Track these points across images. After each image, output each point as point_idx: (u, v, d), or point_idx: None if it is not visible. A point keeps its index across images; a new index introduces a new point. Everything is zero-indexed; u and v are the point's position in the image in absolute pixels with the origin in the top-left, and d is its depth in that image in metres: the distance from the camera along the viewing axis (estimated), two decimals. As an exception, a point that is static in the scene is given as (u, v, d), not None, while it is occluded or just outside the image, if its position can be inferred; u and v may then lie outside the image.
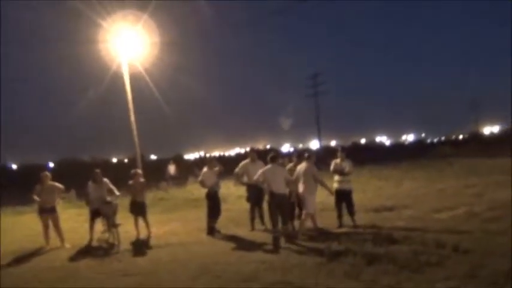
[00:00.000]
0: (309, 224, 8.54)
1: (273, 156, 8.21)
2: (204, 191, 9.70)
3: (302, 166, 8.53)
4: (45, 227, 9.00)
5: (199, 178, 9.64)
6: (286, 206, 8.16)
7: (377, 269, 5.49)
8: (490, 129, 79.68)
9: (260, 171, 8.25)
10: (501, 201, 9.72)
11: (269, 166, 8.11)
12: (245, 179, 9.59)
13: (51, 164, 65.39)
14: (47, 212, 8.97)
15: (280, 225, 7.89)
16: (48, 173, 9.25)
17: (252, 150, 10.03)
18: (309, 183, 8.31)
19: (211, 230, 9.32)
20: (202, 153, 79.82)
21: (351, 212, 8.96)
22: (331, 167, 9.23)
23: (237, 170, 9.71)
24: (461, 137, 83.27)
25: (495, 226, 7.60)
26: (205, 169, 9.60)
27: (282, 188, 7.97)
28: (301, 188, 8.38)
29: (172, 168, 22.35)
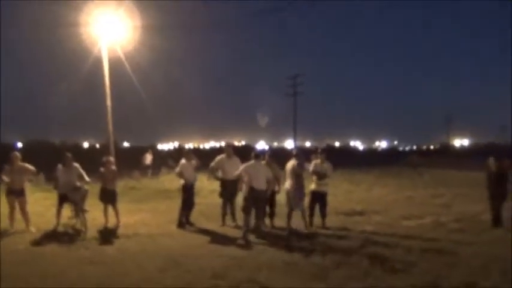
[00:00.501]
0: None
1: (256, 154, 8.44)
2: (176, 183, 9.68)
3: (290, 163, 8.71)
4: (12, 209, 8.74)
5: (177, 169, 9.59)
6: (264, 203, 8.42)
7: (344, 273, 5.56)
8: (460, 142, 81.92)
9: (242, 166, 8.42)
10: (468, 213, 10.03)
11: (252, 162, 8.29)
12: (219, 173, 9.56)
13: (20, 144, 63.69)
14: (15, 194, 8.71)
15: (253, 221, 8.08)
16: (18, 154, 8.97)
17: (229, 145, 9.98)
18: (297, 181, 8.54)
19: (182, 223, 9.28)
20: (176, 144, 79.26)
21: (323, 214, 9.12)
22: (311, 168, 9.30)
23: (212, 164, 9.67)
24: (432, 147, 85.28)
25: (460, 237, 7.83)
26: (183, 161, 9.56)
27: (262, 185, 8.16)
28: (288, 184, 8.60)
29: (149, 158, 22.06)
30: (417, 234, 8.26)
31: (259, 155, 8.56)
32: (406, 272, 5.64)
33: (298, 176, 8.55)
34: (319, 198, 9.11)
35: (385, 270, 5.72)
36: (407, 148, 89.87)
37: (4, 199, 8.92)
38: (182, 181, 9.49)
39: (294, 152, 8.92)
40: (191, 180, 9.50)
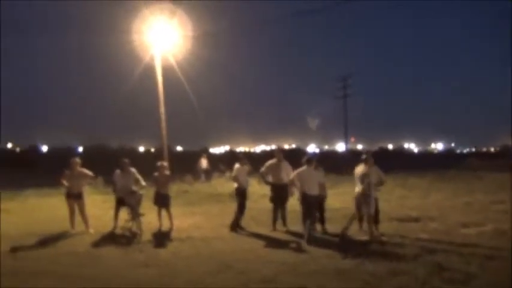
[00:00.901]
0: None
1: (308, 159, 8.56)
2: (227, 187, 9.79)
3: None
4: (71, 212, 9.23)
5: (233, 174, 9.82)
6: (316, 208, 8.52)
7: (399, 282, 5.39)
8: (523, 144, 77.29)
9: (295, 172, 8.56)
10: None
11: (304, 168, 8.42)
12: (270, 178, 9.58)
13: (80, 149, 67.05)
14: (74, 197, 9.19)
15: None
16: (78, 160, 9.45)
17: (279, 150, 10.00)
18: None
19: (235, 227, 9.38)
20: (227, 148, 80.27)
21: (376, 220, 8.76)
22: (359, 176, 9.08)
23: (262, 169, 9.72)
24: (492, 149, 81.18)
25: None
26: (237, 165, 9.75)
27: (315, 190, 8.37)
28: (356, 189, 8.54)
29: (204, 162, 22.06)
30: (477, 243, 7.85)
31: (311, 160, 8.60)
32: (465, 284, 5.37)
33: (366, 181, 8.35)
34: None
35: (443, 280, 5.47)
36: (465, 150, 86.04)
37: (65, 202, 9.41)
38: (236, 185, 9.61)
39: (364, 157, 8.75)
40: (244, 185, 9.65)
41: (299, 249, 7.48)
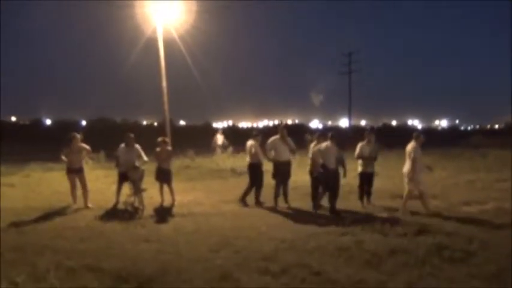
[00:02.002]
0: None
1: (332, 135, 8.94)
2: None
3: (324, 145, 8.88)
4: (73, 187, 9.25)
5: (248, 149, 9.89)
6: (335, 182, 8.76)
7: (398, 261, 5.37)
8: (528, 121, 76.69)
9: (316, 148, 8.95)
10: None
11: (328, 143, 8.79)
12: (273, 154, 9.53)
13: (84, 122, 67.07)
14: (75, 172, 9.19)
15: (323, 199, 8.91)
16: (77, 135, 9.40)
17: (284, 126, 9.92)
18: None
19: (243, 199, 9.73)
20: (230, 123, 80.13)
21: (369, 192, 9.53)
22: (356, 151, 9.52)
23: (265, 144, 9.68)
24: (496, 126, 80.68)
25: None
26: (251, 141, 9.84)
27: (333, 164, 8.74)
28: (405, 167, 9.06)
29: (220, 138, 21.20)
30: (478, 222, 7.86)
31: (334, 136, 8.95)
32: (465, 262, 5.36)
33: (412, 159, 8.65)
34: (366, 178, 9.43)
35: (443, 259, 5.45)
36: (469, 127, 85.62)
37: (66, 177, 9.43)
38: (250, 160, 9.77)
39: (414, 135, 8.92)
40: (260, 160, 9.76)
41: (299, 226, 7.50)
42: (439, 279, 4.77)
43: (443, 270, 5.10)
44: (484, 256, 5.57)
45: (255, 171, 9.71)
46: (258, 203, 9.60)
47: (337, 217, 8.19)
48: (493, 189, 11.21)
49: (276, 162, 9.47)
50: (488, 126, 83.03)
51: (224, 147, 20.71)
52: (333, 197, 8.77)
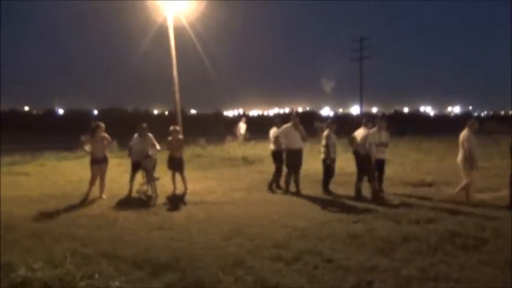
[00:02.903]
0: None
1: (366, 122, 9.26)
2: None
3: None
4: (94, 177, 9.14)
5: (271, 136, 10.10)
6: (366, 165, 8.97)
7: (411, 248, 5.38)
8: (544, 107, 75.49)
9: (363, 134, 9.07)
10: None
11: (361, 130, 9.13)
12: (285, 142, 9.55)
13: (96, 112, 67.58)
14: (99, 162, 9.16)
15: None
16: (102, 124, 9.35)
17: (296, 115, 9.92)
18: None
19: (271, 187, 9.92)
20: (241, 111, 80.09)
21: (381, 179, 9.49)
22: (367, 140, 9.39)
23: (277, 132, 9.73)
24: (510, 112, 79.43)
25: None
26: (274, 129, 10.10)
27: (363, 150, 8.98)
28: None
29: (243, 127, 20.75)
30: (492, 209, 7.82)
31: (368, 122, 9.28)
32: (478, 250, 5.34)
33: (466, 149, 8.45)
34: (377, 165, 9.29)
35: (455, 246, 5.44)
36: (482, 114, 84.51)
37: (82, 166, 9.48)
38: (273, 147, 9.93)
39: (469, 122, 8.84)
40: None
41: (311, 214, 7.53)
42: (452, 266, 4.76)
43: (456, 257, 5.08)
44: (497, 244, 5.54)
45: (279, 158, 9.84)
46: (271, 188, 9.81)
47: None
48: (506, 176, 11.04)
49: (288, 150, 9.49)
50: (502, 112, 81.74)
51: (246, 138, 20.46)
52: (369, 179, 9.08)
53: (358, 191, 9.01)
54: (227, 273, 4.58)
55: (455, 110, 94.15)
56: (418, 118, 70.52)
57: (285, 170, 9.81)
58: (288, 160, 9.55)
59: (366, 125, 9.16)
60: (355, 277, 4.49)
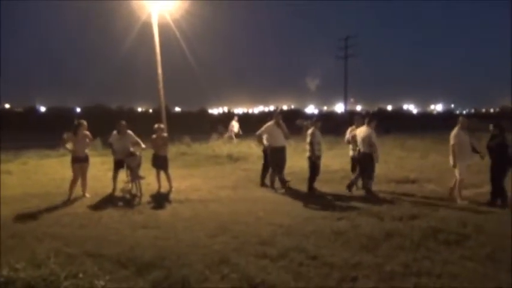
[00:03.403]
0: None
1: (369, 121, 9.14)
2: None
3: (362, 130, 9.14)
4: (76, 176, 8.99)
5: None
6: (366, 164, 8.99)
7: (394, 244, 5.45)
8: (524, 105, 76.92)
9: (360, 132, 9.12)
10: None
11: (363, 128, 9.13)
12: (267, 140, 9.57)
13: (78, 109, 66.74)
14: (81, 161, 9.00)
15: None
16: (84, 122, 9.20)
17: (279, 112, 9.93)
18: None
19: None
20: (225, 109, 79.94)
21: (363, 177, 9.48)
22: (346, 136, 9.60)
23: (260, 131, 9.73)
24: (491, 110, 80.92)
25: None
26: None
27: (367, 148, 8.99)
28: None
29: (236, 125, 20.24)
30: (473, 205, 7.97)
31: (371, 121, 9.15)
32: (460, 245, 5.44)
33: (451, 145, 8.69)
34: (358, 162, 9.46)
35: (437, 242, 5.53)
36: (464, 111, 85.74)
37: (64, 164, 9.36)
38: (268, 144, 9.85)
39: (459, 119, 8.94)
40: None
41: (296, 211, 7.57)
42: (434, 262, 4.84)
43: (438, 252, 5.17)
44: (478, 239, 5.65)
45: (275, 154, 9.85)
46: (264, 184, 9.94)
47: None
48: (488, 173, 11.28)
49: (271, 148, 9.50)
50: (484, 110, 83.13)
51: (239, 135, 20.01)
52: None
53: (367, 190, 8.98)
54: (213, 271, 4.58)
55: (438, 107, 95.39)
56: (401, 116, 71.23)
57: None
58: (271, 158, 9.57)
59: (368, 124, 9.12)
60: (340, 273, 4.54)
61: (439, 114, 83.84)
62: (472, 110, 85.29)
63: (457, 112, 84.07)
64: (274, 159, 9.50)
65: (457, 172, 8.50)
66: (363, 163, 9.03)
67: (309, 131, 9.53)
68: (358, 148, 9.17)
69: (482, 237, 5.70)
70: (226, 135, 20.26)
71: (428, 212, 7.06)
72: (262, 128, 9.67)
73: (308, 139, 9.42)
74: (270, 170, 9.71)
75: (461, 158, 8.46)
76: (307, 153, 9.47)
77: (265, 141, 9.69)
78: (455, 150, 8.43)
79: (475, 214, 7.10)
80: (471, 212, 7.34)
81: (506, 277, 4.42)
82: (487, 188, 9.10)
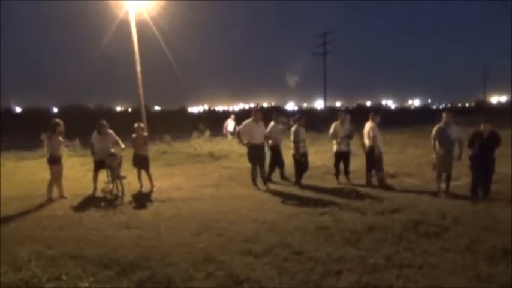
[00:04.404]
0: None
1: (373, 115, 9.48)
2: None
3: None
4: (56, 177, 8.85)
5: (268, 131, 10.06)
6: (372, 157, 9.29)
7: (376, 237, 5.54)
8: (497, 99, 78.85)
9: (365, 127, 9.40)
10: (501, 174, 9.65)
11: (367, 123, 9.37)
12: (246, 138, 9.58)
13: (55, 110, 65.51)
14: (56, 162, 8.87)
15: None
16: (61, 122, 9.05)
17: (258, 110, 9.92)
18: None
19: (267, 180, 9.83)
20: (206, 107, 79.61)
21: (347, 171, 9.89)
22: (331, 131, 9.77)
23: (239, 128, 9.77)
24: (467, 104, 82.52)
25: (498, 199, 7.64)
26: (272, 123, 10.19)
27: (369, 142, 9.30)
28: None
29: (232, 124, 19.47)
30: (451, 197, 8.14)
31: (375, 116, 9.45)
32: (440, 236, 5.56)
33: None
34: (342, 157, 9.76)
35: (418, 234, 5.64)
36: (441, 106, 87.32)
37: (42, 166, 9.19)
38: (270, 142, 10.04)
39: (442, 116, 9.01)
40: (278, 141, 10.19)
41: (279, 208, 7.61)
42: (415, 254, 4.94)
43: (419, 244, 5.28)
44: (457, 230, 5.79)
45: (275, 151, 10.12)
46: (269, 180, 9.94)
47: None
48: (465, 166, 11.51)
49: (250, 145, 9.50)
50: (460, 104, 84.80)
51: (232, 134, 18.81)
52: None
53: (380, 181, 9.30)
54: (198, 269, 4.58)
55: (416, 103, 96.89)
56: (380, 111, 72.06)
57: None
58: (250, 155, 9.55)
59: (372, 119, 9.34)
60: (324, 268, 4.58)
61: (416, 109, 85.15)
62: (449, 105, 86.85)
63: (434, 107, 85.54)
64: (253, 156, 9.50)
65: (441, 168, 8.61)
66: (369, 157, 9.31)
67: (292, 129, 9.59)
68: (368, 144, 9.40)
69: (460, 229, 5.85)
70: (229, 135, 19.33)
71: (408, 205, 7.18)
72: (241, 126, 9.69)
73: (291, 137, 9.47)
74: (251, 167, 9.69)
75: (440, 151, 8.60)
76: (292, 151, 9.52)
77: (244, 139, 9.68)
78: (433, 144, 8.60)
79: (453, 206, 7.25)
80: (450, 204, 7.49)
81: (484, 267, 4.54)
82: (464, 181, 9.31)
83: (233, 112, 21.27)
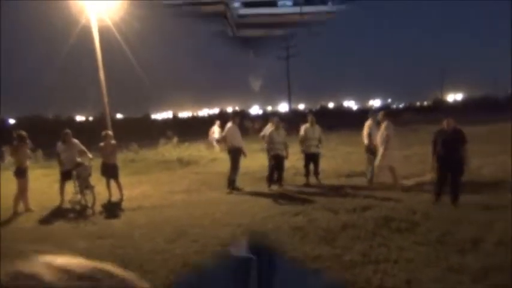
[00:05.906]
0: None
1: (372, 115, 9.78)
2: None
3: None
4: (23, 189, 8.61)
5: (225, 133, 10.03)
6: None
7: (350, 235, 5.67)
8: (453, 97, 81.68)
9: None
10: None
11: (369, 122, 9.66)
12: (231, 141, 9.70)
13: (12, 121, 63.04)
14: (23, 174, 8.62)
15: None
16: (23, 133, 8.78)
17: (237, 114, 10.15)
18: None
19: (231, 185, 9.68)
20: (170, 114, 78.67)
21: (317, 172, 10.02)
22: (301, 133, 9.88)
23: (223, 134, 9.93)
24: (425, 103, 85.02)
25: (464, 193, 7.91)
26: (230, 124, 9.93)
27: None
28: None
29: (217, 131, 17.68)
30: (418, 193, 8.40)
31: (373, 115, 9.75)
32: (411, 231, 5.74)
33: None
34: (311, 159, 9.93)
35: (391, 230, 5.81)
36: (401, 105, 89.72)
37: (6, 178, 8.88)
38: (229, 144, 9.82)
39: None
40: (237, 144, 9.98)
41: (254, 210, 7.64)
42: (390, 249, 5.08)
43: (392, 240, 5.44)
44: (427, 225, 6.00)
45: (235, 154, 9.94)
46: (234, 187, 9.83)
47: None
48: (428, 162, 11.89)
49: (234, 148, 9.56)
50: (418, 103, 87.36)
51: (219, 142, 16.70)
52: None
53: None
54: (178, 275, 4.55)
55: (376, 103, 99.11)
56: (342, 112, 73.32)
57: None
58: (233, 158, 9.58)
59: (372, 119, 9.65)
60: (302, 267, 4.64)
61: (377, 109, 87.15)
62: (407, 104, 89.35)
63: (394, 106, 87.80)
64: (236, 159, 9.55)
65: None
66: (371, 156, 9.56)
67: (264, 133, 9.90)
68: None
69: (430, 223, 6.06)
70: (214, 143, 17.81)
71: (378, 203, 7.38)
72: (225, 130, 9.83)
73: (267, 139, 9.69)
74: (230, 170, 9.68)
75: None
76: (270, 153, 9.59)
77: (229, 143, 9.73)
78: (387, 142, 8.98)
79: (421, 202, 7.48)
80: (417, 200, 7.74)
81: (456, 257, 4.73)
82: (428, 176, 9.61)
83: (219, 119, 19.20)
